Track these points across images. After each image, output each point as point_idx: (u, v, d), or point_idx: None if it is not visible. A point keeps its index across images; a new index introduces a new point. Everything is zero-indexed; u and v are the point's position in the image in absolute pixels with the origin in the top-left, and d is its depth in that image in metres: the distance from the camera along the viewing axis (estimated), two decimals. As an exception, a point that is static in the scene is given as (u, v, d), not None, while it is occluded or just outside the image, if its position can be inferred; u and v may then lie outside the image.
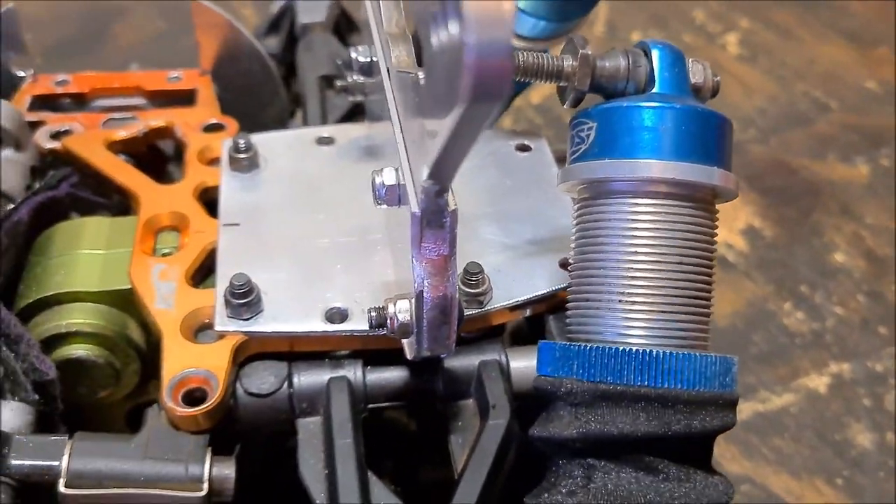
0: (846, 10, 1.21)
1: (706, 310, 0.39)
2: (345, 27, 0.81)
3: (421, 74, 0.30)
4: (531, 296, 0.47)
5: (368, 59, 0.50)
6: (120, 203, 0.58)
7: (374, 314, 0.40)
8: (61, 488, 0.37)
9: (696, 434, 0.37)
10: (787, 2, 1.22)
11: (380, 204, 0.40)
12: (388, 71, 0.44)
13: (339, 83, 0.55)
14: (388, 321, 0.39)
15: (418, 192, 0.36)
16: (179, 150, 0.63)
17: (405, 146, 0.39)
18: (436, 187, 0.34)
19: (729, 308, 0.83)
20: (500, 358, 0.46)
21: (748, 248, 0.88)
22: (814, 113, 1.03)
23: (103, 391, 0.49)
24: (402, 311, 0.39)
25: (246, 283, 0.44)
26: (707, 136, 0.39)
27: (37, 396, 0.41)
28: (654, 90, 0.40)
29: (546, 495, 0.38)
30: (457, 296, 0.38)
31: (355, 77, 0.52)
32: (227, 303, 0.44)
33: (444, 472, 0.45)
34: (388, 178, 0.39)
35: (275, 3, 0.88)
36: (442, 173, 0.31)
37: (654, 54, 0.40)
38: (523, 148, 0.56)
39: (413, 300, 0.38)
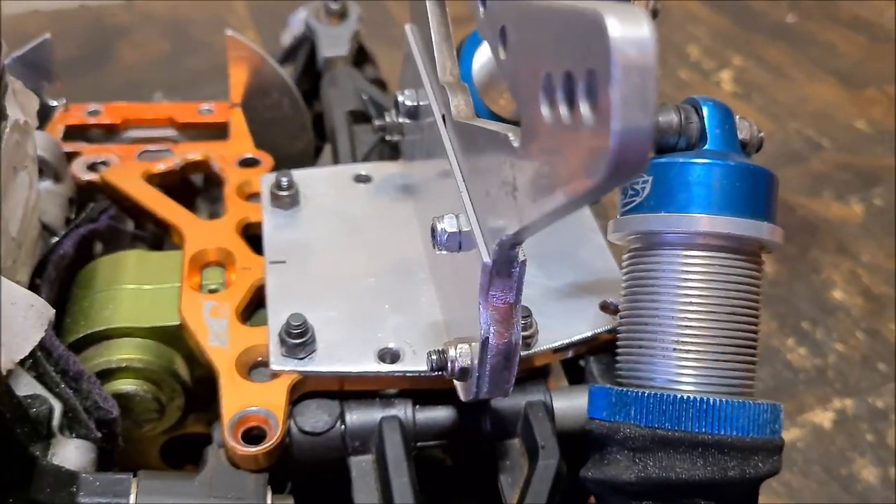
0: (835, 49, 1.25)
1: (754, 357, 0.41)
2: (361, 59, 0.83)
3: (511, 135, 0.32)
4: (575, 339, 0.48)
5: (415, 103, 0.51)
6: (155, 235, 0.59)
7: (434, 357, 0.41)
8: (129, 527, 0.38)
9: (749, 479, 0.39)
10: (777, 41, 1.26)
11: (440, 250, 0.41)
12: (442, 117, 0.45)
13: (377, 122, 0.56)
14: (449, 364, 0.40)
15: (488, 241, 0.37)
16: (208, 182, 0.64)
17: (469, 194, 0.40)
18: (513, 240, 0.35)
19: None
20: (545, 398, 0.47)
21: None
22: (807, 151, 1.07)
23: (147, 425, 0.49)
24: (463, 355, 0.40)
25: (302, 323, 0.44)
26: (757, 192, 0.41)
27: (99, 434, 0.41)
28: (706, 146, 0.42)
29: (602, 537, 0.39)
30: (520, 342, 0.39)
31: (400, 119, 0.53)
32: (283, 342, 0.45)
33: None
34: (450, 225, 0.40)
35: (287, 33, 0.89)
36: (530, 232, 0.32)
37: (705, 111, 0.42)
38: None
39: (477, 346, 0.39)
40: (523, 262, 0.37)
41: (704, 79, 1.22)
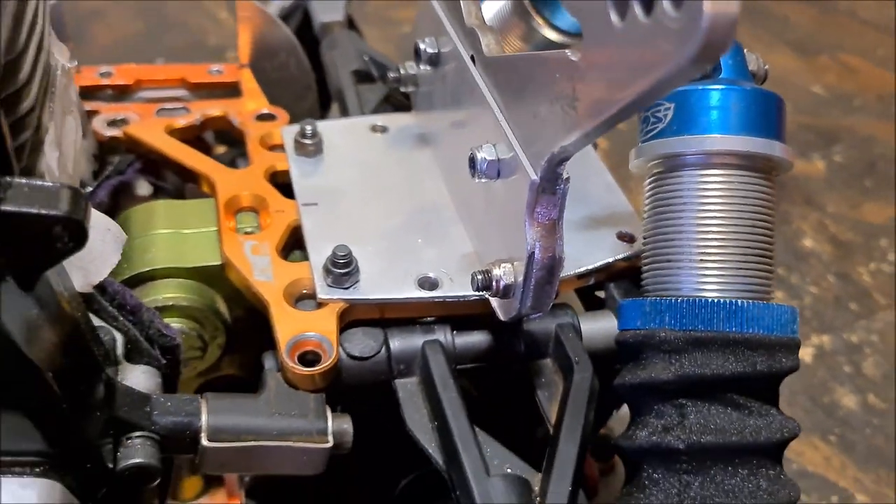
0: (788, 22, 1.31)
1: (770, 265, 0.45)
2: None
3: (571, 53, 0.35)
4: (597, 265, 0.51)
5: (437, 51, 0.54)
6: (177, 186, 0.60)
7: (480, 277, 0.44)
8: (204, 441, 0.40)
9: (775, 373, 0.42)
10: (734, 14, 1.31)
11: (479, 178, 0.44)
12: (472, 58, 0.48)
13: (391, 75, 0.59)
14: (493, 283, 0.43)
15: (533, 162, 0.40)
16: (221, 138, 0.66)
17: (509, 123, 0.43)
18: (561, 156, 0.38)
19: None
20: (574, 321, 0.50)
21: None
22: (769, 114, 1.12)
23: (189, 364, 0.51)
24: (507, 273, 0.43)
25: (347, 254, 0.47)
26: (769, 113, 0.45)
27: (164, 361, 0.43)
28: (721, 75, 0.46)
29: (643, 433, 0.42)
30: (563, 256, 0.42)
31: (421, 67, 0.55)
32: (329, 273, 0.47)
33: (500, 437, 0.48)
34: (489, 154, 0.43)
35: (272, 4, 0.90)
36: (592, 137, 0.35)
37: (718, 44, 0.46)
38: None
39: (520, 264, 0.42)
40: (567, 179, 0.40)
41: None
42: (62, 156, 0.41)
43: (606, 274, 0.52)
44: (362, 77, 0.70)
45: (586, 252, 0.52)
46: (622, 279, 0.52)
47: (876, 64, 1.22)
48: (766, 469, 0.42)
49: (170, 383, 0.44)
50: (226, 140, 0.68)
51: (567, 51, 0.35)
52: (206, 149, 0.65)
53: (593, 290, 0.56)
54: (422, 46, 0.54)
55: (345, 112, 0.67)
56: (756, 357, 0.42)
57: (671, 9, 0.27)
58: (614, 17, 0.30)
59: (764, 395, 0.43)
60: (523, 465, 0.44)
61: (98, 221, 0.38)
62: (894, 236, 0.94)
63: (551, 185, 0.40)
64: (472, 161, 0.44)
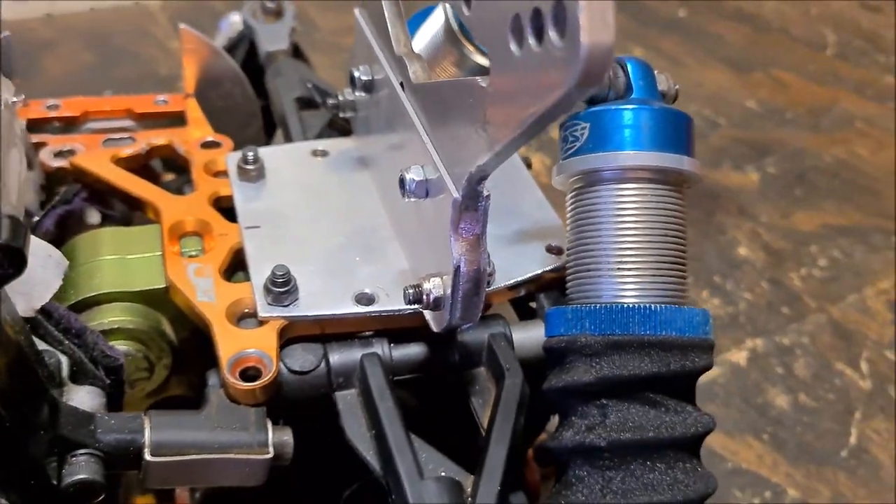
0: (722, 40, 1.37)
1: (684, 270, 0.48)
2: (296, 56, 0.87)
3: (482, 80, 0.37)
4: (527, 276, 0.54)
5: (371, 78, 0.56)
6: (123, 214, 0.62)
7: (410, 292, 0.46)
8: (147, 457, 0.42)
9: (687, 372, 0.45)
10: (671, 34, 1.36)
11: (409, 198, 0.46)
12: (401, 85, 0.51)
13: (330, 101, 0.61)
14: (424, 297, 0.46)
15: (456, 181, 0.43)
16: (169, 166, 0.68)
17: (434, 146, 0.46)
18: (479, 175, 0.41)
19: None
20: (506, 330, 0.53)
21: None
22: (706, 129, 1.17)
23: (136, 385, 0.52)
24: (436, 287, 0.45)
25: (286, 273, 0.49)
26: (677, 131, 0.48)
27: (108, 381, 0.44)
28: (632, 96, 0.49)
29: (568, 433, 0.45)
30: (487, 269, 0.45)
31: (356, 93, 0.58)
32: (268, 291, 0.49)
33: (440, 447, 0.50)
34: (417, 174, 0.46)
35: (220, 36, 0.92)
36: (501, 158, 0.38)
37: (629, 67, 0.49)
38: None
39: (448, 278, 0.45)
40: (488, 196, 0.43)
41: (609, 69, 1.31)
42: (5, 187, 0.42)
43: (536, 285, 0.55)
44: (305, 104, 0.73)
45: (517, 264, 0.54)
46: (552, 289, 0.55)
47: (807, 79, 1.28)
48: (682, 462, 0.44)
49: (115, 402, 0.45)
50: (173, 168, 0.69)
51: (478, 77, 0.38)
52: (153, 177, 0.67)
53: (526, 300, 0.58)
54: (356, 74, 0.57)
55: (288, 138, 0.70)
56: (670, 357, 0.45)
57: (557, 39, 0.30)
58: (513, 46, 0.33)
59: (680, 393, 0.46)
60: (457, 469, 0.46)
61: (39, 248, 0.40)
62: (823, 243, 0.98)
63: (473, 202, 0.43)
64: (402, 182, 0.46)
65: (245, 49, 0.86)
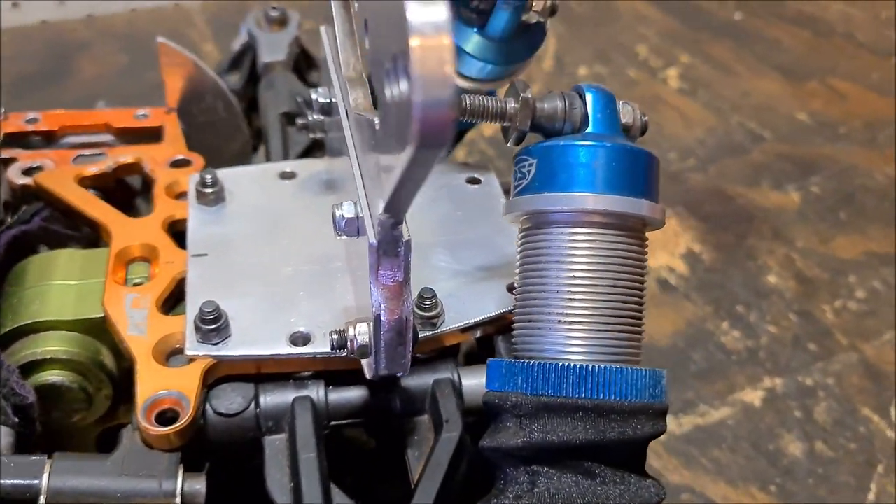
0: (779, 45, 1.28)
1: (638, 327, 0.43)
2: (304, 65, 0.85)
3: (376, 118, 0.34)
4: (481, 318, 0.50)
5: (328, 100, 0.53)
6: (89, 235, 0.61)
7: (335, 337, 0.43)
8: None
9: (629, 441, 0.41)
10: (723, 38, 1.29)
11: (340, 235, 0.43)
12: (346, 111, 0.48)
13: (299, 121, 0.59)
14: (349, 343, 0.43)
15: (375, 224, 0.40)
16: (147, 184, 0.66)
17: (363, 181, 0.43)
18: (391, 220, 0.38)
19: (670, 328, 0.88)
20: (453, 376, 0.49)
21: (688, 271, 0.93)
22: (749, 143, 1.10)
23: (76, 415, 0.51)
24: (361, 333, 0.42)
25: (215, 309, 0.47)
26: (636, 171, 0.43)
27: (17, 420, 0.43)
28: (589, 130, 0.44)
29: (495, 501, 0.41)
30: (411, 318, 0.41)
31: (315, 116, 0.55)
32: (197, 329, 0.47)
33: (400, 488, 0.48)
34: (348, 211, 0.43)
35: (236, 40, 0.91)
36: (396, 207, 0.34)
37: (588, 97, 0.45)
38: (473, 181, 0.60)
39: (371, 323, 0.42)
40: (407, 242, 0.39)
41: (652, 76, 1.25)
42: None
43: (496, 327, 0.51)
44: (292, 119, 0.71)
45: (472, 305, 0.51)
46: (511, 332, 0.51)
47: (868, 89, 1.19)
48: (619, 540, 0.40)
49: (26, 442, 0.44)
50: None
51: (375, 114, 0.35)
52: (129, 194, 0.66)
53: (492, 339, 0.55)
54: (314, 97, 0.54)
55: (268, 155, 0.67)
56: (607, 424, 0.40)
57: (406, 86, 0.26)
58: (386, 89, 0.30)
59: (623, 463, 0.42)
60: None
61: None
62: (863, 272, 0.91)
63: (391, 247, 0.40)
64: (333, 217, 0.43)
65: (251, 58, 0.84)
